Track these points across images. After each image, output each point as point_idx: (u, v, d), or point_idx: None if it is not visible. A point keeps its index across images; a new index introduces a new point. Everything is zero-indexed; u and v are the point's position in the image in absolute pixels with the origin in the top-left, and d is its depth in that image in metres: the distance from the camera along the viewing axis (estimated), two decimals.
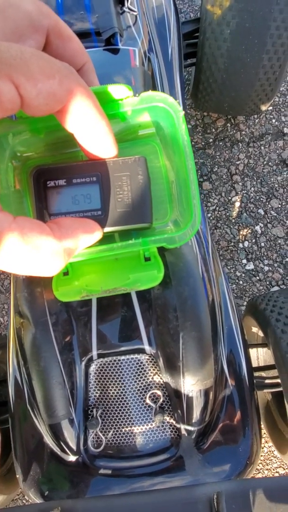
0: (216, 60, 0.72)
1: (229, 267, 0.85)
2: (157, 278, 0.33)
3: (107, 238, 0.32)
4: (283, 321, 0.54)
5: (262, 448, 0.78)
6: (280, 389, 0.54)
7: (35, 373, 0.44)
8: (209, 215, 0.89)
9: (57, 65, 0.21)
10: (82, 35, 0.56)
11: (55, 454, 0.46)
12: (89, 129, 0.24)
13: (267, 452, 0.76)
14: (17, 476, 0.48)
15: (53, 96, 0.21)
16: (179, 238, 0.31)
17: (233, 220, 0.87)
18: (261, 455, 0.78)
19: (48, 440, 0.46)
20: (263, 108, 0.84)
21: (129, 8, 0.60)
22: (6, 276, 0.94)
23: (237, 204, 0.89)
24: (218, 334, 0.49)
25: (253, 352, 0.75)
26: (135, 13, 0.60)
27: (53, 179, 0.31)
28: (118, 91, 0.29)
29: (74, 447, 0.44)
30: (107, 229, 0.30)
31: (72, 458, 0.45)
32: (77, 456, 0.44)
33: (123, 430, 0.45)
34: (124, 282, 0.34)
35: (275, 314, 0.56)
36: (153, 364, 0.45)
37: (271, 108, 0.98)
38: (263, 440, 0.78)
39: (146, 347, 0.45)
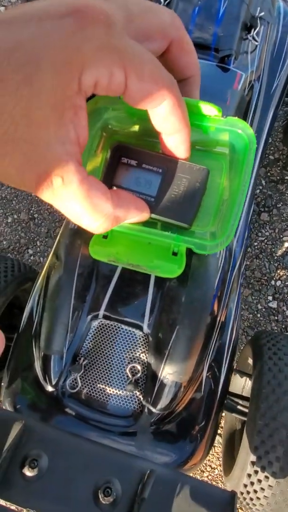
0: None
1: (253, 297, 0.88)
2: (175, 272, 0.38)
3: (150, 224, 0.36)
4: (274, 360, 0.57)
5: (214, 469, 0.81)
6: (245, 418, 0.58)
7: (48, 308, 0.52)
8: (255, 243, 0.92)
9: (165, 75, 0.26)
10: (202, 47, 0.62)
11: (37, 380, 0.53)
12: (170, 134, 0.29)
13: (216, 474, 0.79)
14: (2, 384, 0.56)
15: (150, 97, 0.26)
16: (210, 248, 0.34)
17: (275, 257, 0.89)
18: (210, 475, 0.81)
19: (37, 367, 0.53)
20: None
21: (253, 37, 0.64)
22: (60, 225, 1.03)
23: (286, 244, 0.90)
24: (209, 344, 0.53)
25: (241, 380, 0.78)
26: (256, 43, 0.65)
27: (127, 157, 0.35)
28: (208, 109, 0.33)
29: (54, 380, 0.51)
30: (154, 215, 0.34)
31: (49, 388, 0.51)
32: (54, 389, 0.51)
33: (98, 385, 0.51)
34: (147, 263, 0.39)
35: (271, 352, 0.59)
36: (144, 343, 0.51)
37: None
38: (217, 462, 0.81)
39: (145, 326, 0.50)
